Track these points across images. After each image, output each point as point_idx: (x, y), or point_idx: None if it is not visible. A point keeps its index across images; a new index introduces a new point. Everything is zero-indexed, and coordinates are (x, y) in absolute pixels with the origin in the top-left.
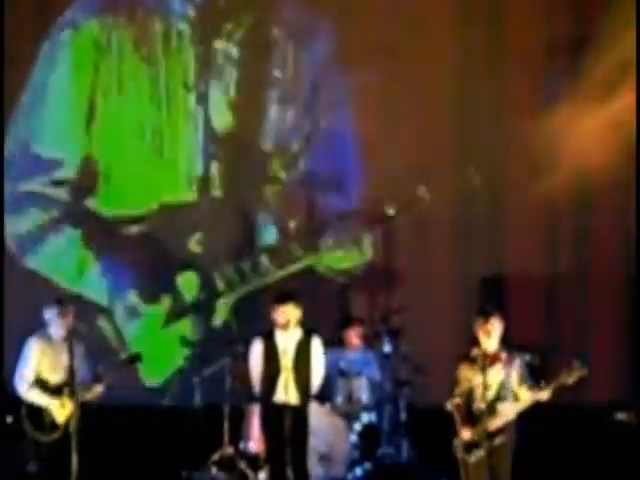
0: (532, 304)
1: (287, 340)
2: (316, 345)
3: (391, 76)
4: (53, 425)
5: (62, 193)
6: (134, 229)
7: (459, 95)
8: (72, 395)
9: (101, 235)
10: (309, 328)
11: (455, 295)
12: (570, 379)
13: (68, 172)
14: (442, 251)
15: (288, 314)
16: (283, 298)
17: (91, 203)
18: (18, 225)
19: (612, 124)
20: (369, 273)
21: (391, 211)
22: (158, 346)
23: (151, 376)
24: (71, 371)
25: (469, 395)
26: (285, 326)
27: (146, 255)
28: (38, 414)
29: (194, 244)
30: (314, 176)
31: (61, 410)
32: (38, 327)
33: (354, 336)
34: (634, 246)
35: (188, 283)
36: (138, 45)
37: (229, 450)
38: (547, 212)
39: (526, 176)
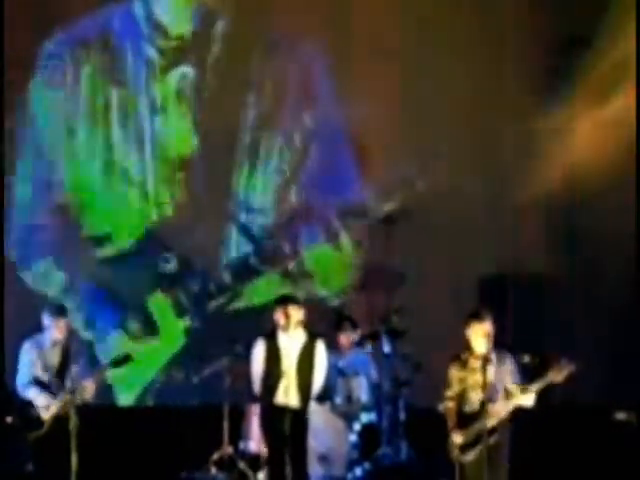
0: (531, 304)
1: (290, 342)
2: (320, 350)
3: (389, 77)
4: (39, 422)
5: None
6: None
7: (459, 95)
8: (60, 398)
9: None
10: (313, 332)
11: (455, 295)
12: (559, 376)
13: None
14: (442, 251)
15: (289, 315)
16: (284, 299)
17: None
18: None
19: (612, 124)
20: (369, 273)
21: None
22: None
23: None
24: (61, 375)
25: (461, 397)
26: (286, 327)
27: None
28: (28, 412)
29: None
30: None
31: (47, 410)
32: (36, 330)
33: (344, 339)
34: (634, 246)
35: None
36: (109, 74)
37: (229, 450)
38: (547, 212)
39: (526, 176)
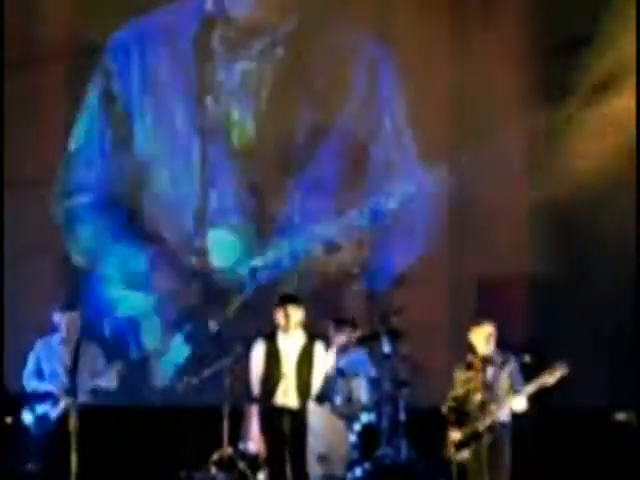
0: (531, 304)
1: (290, 343)
2: (319, 350)
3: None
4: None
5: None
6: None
7: (459, 95)
8: (67, 396)
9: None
10: (313, 333)
11: (454, 295)
12: (551, 379)
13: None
14: (442, 251)
15: (289, 315)
16: (284, 299)
17: None
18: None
19: (612, 124)
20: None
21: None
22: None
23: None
24: (72, 373)
25: (464, 398)
26: (286, 327)
27: None
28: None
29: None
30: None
31: (54, 409)
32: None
33: (344, 338)
34: (634, 246)
35: None
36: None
37: (228, 450)
38: (547, 212)
39: (526, 176)
